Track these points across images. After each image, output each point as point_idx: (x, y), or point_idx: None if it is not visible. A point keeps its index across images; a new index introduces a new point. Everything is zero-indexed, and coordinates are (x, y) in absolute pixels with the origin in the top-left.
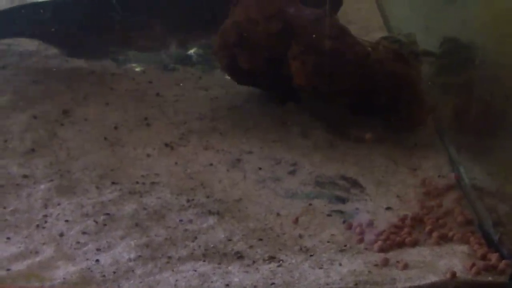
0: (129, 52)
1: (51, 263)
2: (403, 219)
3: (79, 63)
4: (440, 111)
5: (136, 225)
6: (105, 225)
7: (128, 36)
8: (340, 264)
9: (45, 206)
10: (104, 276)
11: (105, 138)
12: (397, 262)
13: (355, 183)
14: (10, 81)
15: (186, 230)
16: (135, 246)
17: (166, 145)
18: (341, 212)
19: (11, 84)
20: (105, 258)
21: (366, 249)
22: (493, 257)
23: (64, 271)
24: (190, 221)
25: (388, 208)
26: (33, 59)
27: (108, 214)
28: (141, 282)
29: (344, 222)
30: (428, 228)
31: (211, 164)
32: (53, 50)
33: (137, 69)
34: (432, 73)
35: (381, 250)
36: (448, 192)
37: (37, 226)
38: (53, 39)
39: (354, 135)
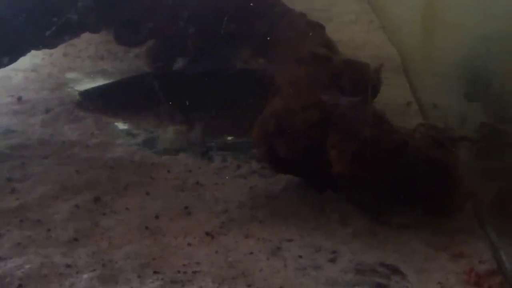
0: None
1: None
2: None
3: (119, 153)
4: (480, 196)
5: None
6: None
7: None
8: None
9: None
10: None
11: (146, 227)
12: None
13: (396, 270)
14: (52, 170)
15: None
16: None
17: (207, 234)
18: None
19: (53, 174)
20: None
21: None
22: None
23: None
24: None
25: None
26: (75, 148)
27: None
28: None
29: None
30: None
31: (252, 253)
32: (94, 140)
33: (176, 158)
34: (470, 158)
35: None
36: (490, 277)
37: None
38: None
39: (394, 222)
